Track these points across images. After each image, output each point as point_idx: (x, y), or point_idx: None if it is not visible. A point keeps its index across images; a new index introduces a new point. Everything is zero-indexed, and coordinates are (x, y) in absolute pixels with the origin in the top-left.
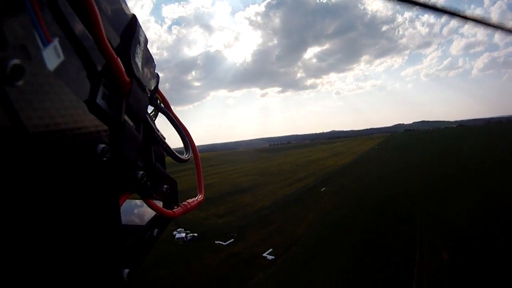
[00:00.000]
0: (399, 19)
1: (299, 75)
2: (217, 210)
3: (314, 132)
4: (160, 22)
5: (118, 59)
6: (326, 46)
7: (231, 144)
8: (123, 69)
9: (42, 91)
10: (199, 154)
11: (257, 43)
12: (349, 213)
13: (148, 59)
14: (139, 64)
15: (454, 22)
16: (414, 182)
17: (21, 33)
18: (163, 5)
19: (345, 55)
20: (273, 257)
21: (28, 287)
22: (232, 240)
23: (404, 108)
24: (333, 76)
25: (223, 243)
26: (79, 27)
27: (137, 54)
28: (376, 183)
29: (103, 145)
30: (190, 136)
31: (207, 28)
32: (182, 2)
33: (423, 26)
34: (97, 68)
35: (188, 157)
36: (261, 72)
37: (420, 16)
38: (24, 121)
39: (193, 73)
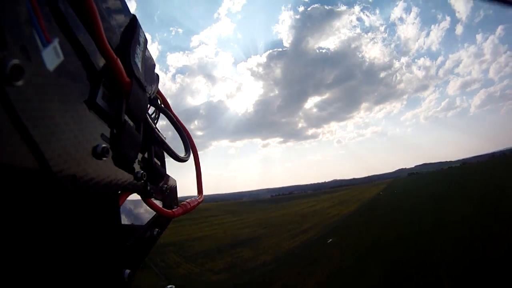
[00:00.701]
0: (396, 64)
1: (300, 125)
2: (213, 265)
3: (316, 181)
4: (164, 70)
5: (118, 59)
6: (326, 96)
7: (233, 194)
8: (123, 69)
9: (41, 91)
10: (199, 154)
11: (258, 94)
12: (359, 265)
13: (148, 59)
14: (139, 64)
15: (449, 63)
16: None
17: (21, 33)
18: (168, 53)
19: (345, 104)
20: None
21: (32, 287)
22: None
23: (405, 153)
24: (333, 125)
25: None
26: (79, 27)
27: (137, 54)
28: (386, 231)
29: (103, 145)
30: (190, 136)
31: (210, 78)
32: (186, 52)
33: (419, 69)
34: (97, 68)
35: (188, 157)
36: (263, 123)
37: (416, 60)
38: (24, 121)
39: (196, 122)
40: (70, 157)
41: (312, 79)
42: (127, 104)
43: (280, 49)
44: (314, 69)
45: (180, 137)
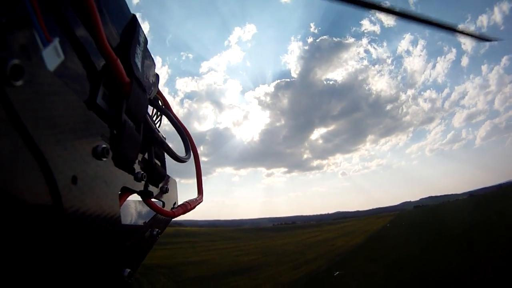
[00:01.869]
0: (403, 97)
1: (305, 156)
2: None
3: (319, 213)
4: (173, 94)
5: (118, 59)
6: (332, 127)
7: (234, 222)
8: (123, 69)
9: (41, 91)
10: (199, 156)
11: (265, 123)
12: None
13: (148, 59)
14: (139, 64)
15: (455, 95)
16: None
17: (21, 33)
18: (177, 77)
19: (351, 136)
20: None
21: (32, 286)
22: None
23: (411, 185)
24: (339, 157)
25: None
26: (79, 27)
27: (137, 54)
28: (397, 263)
29: (104, 145)
30: (191, 136)
31: (218, 104)
32: (195, 77)
33: (425, 101)
34: (97, 68)
35: (188, 157)
36: (268, 152)
37: (422, 92)
38: (23, 121)
39: (201, 148)
40: (70, 157)
41: (319, 110)
42: (127, 104)
43: (288, 80)
44: (321, 100)
45: (181, 137)
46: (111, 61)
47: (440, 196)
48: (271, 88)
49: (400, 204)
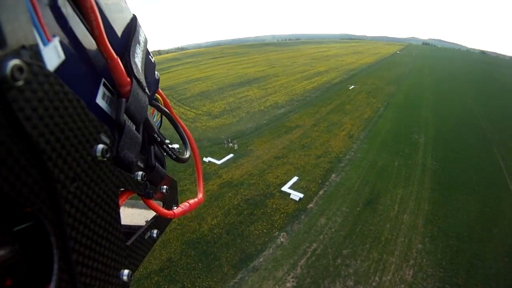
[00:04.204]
0: None
1: None
2: (211, 108)
3: (323, 32)
4: None
5: (118, 59)
6: None
7: (237, 40)
8: (123, 69)
9: (41, 91)
10: (199, 155)
11: None
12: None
13: (148, 59)
14: (139, 64)
15: None
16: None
17: (21, 33)
18: None
19: None
20: (300, 197)
21: (32, 285)
22: (229, 157)
23: (421, 22)
24: None
25: (217, 161)
26: (79, 27)
27: (137, 54)
28: (412, 86)
29: (103, 146)
30: (191, 136)
31: None
32: None
33: None
34: (97, 68)
35: (188, 157)
36: None
37: None
38: (23, 121)
39: None
40: (69, 157)
41: None
42: (127, 104)
43: None
44: None
45: (180, 137)
46: (111, 61)
47: (450, 43)
48: None
49: (408, 38)
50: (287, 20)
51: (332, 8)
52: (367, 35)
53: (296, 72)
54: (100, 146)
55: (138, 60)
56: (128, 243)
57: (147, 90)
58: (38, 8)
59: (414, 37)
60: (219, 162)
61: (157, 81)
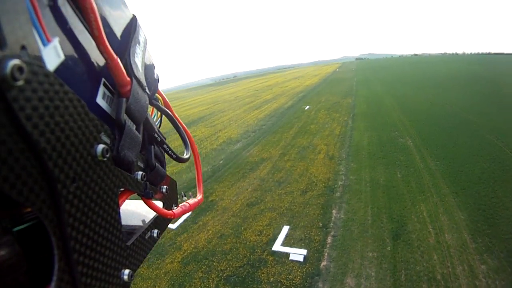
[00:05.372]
0: None
1: None
2: None
3: (257, 68)
4: None
5: (118, 59)
6: None
7: (175, 88)
8: (123, 69)
9: (41, 91)
10: (199, 155)
11: None
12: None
13: (148, 59)
14: (139, 64)
15: None
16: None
17: (21, 33)
18: None
19: None
20: (304, 254)
21: (32, 286)
22: (186, 216)
23: (350, 42)
24: None
25: (170, 225)
26: (79, 27)
27: (137, 54)
28: (367, 94)
29: (103, 145)
30: (190, 136)
31: None
32: None
33: None
34: (97, 68)
35: (188, 157)
36: None
37: None
38: (23, 121)
39: None
40: (69, 157)
41: None
42: (127, 104)
43: None
44: None
45: (181, 137)
46: (111, 61)
47: (380, 53)
48: None
49: (341, 57)
50: (221, 62)
51: (264, 43)
52: (302, 62)
53: (242, 104)
54: (100, 146)
55: (138, 60)
56: (129, 243)
57: (147, 90)
58: (38, 8)
59: (346, 56)
60: (174, 227)
61: (157, 81)
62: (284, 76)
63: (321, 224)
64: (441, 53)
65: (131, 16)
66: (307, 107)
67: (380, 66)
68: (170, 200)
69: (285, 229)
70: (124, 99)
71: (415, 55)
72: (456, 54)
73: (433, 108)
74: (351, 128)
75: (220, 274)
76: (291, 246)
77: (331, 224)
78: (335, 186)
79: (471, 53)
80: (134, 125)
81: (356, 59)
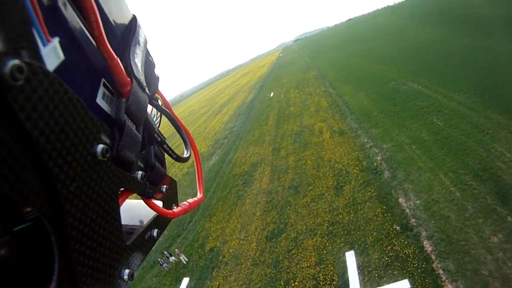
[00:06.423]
0: None
1: None
2: None
3: (201, 81)
4: None
5: (118, 59)
6: None
7: None
8: (123, 69)
9: (41, 91)
10: (199, 154)
11: None
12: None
13: (148, 59)
14: (139, 64)
15: None
16: None
17: (21, 33)
18: None
19: None
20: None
21: (32, 286)
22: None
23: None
24: None
25: None
26: (79, 27)
27: (137, 54)
28: (329, 63)
29: (103, 145)
30: (190, 136)
31: None
32: None
33: None
34: (97, 68)
35: (189, 156)
36: None
37: None
38: (23, 121)
39: None
40: (69, 157)
41: None
42: (127, 104)
43: None
44: None
45: (181, 137)
46: (111, 61)
47: (314, 30)
48: None
49: (279, 45)
50: (162, 86)
51: (199, 55)
52: (242, 62)
53: (200, 114)
54: (100, 145)
55: (138, 60)
56: (129, 242)
57: (147, 90)
58: (38, 8)
59: (282, 42)
60: None
61: (157, 81)
62: (231, 78)
63: (398, 228)
64: (374, 10)
65: (131, 16)
66: (271, 94)
67: (322, 39)
68: (170, 200)
69: (351, 258)
70: (124, 99)
71: (350, 19)
72: (387, 6)
73: (384, 56)
74: (338, 95)
75: None
76: (380, 285)
77: (411, 218)
78: (375, 164)
79: (401, 1)
80: (134, 125)
81: (294, 41)
